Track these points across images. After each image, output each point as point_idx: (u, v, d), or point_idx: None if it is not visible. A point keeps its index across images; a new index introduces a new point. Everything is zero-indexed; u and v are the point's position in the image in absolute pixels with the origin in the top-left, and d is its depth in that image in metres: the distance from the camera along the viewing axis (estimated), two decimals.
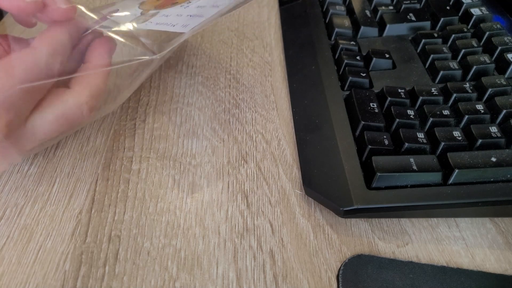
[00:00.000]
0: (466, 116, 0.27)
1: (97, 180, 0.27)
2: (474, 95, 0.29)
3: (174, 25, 0.26)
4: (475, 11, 0.36)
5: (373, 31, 0.36)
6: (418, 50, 0.34)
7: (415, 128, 0.27)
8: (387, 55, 0.33)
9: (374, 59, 0.33)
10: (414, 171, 0.24)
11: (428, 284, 0.23)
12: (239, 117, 0.32)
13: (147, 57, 0.25)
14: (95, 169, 0.28)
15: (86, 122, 0.24)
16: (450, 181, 0.25)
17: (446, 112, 0.28)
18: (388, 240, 0.25)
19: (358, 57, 0.33)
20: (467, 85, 0.30)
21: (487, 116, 0.28)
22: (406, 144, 0.26)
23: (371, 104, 0.29)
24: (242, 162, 0.29)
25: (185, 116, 0.32)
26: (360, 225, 0.26)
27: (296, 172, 0.29)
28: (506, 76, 0.30)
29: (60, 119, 0.23)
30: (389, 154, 0.26)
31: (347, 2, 0.40)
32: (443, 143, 0.26)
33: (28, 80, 0.21)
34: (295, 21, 0.40)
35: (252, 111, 0.32)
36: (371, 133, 0.27)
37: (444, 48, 0.33)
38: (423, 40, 0.34)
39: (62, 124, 0.23)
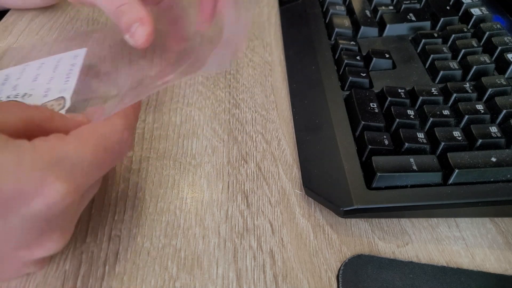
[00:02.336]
0: (466, 116, 0.27)
1: None
2: (474, 95, 0.29)
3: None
4: (475, 11, 0.36)
5: (373, 31, 0.36)
6: (418, 50, 0.34)
7: (415, 128, 0.27)
8: (387, 55, 0.33)
9: (374, 59, 0.33)
10: (414, 171, 0.24)
11: (428, 284, 0.23)
12: (239, 117, 0.32)
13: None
14: None
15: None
16: (450, 181, 0.25)
17: (446, 112, 0.28)
18: (388, 240, 0.25)
19: (358, 57, 0.33)
20: (467, 85, 0.30)
21: (487, 116, 0.28)
22: (406, 144, 0.26)
23: (371, 104, 0.29)
24: (242, 162, 0.29)
25: (185, 116, 0.32)
26: (360, 225, 0.26)
27: (296, 172, 0.28)
28: (506, 76, 0.30)
29: (105, 149, 0.21)
30: (389, 154, 0.26)
31: (347, 2, 0.40)
32: (443, 143, 0.26)
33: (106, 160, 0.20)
34: (295, 21, 0.40)
35: (252, 111, 0.32)
36: (371, 133, 0.27)
37: (444, 48, 0.33)
38: (423, 40, 0.34)
39: (107, 156, 0.21)
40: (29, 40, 0.37)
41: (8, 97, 0.28)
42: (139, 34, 0.28)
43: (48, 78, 0.30)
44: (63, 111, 0.27)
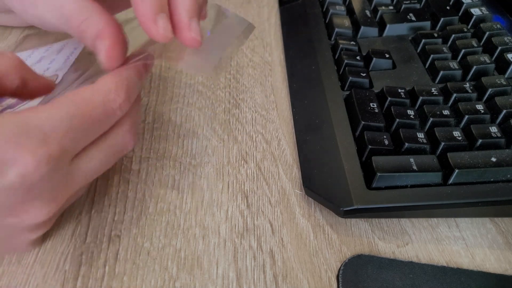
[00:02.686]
0: (466, 116, 0.27)
1: (97, 180, 0.27)
2: (474, 95, 0.29)
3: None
4: (475, 11, 0.36)
5: (373, 31, 0.36)
6: (418, 50, 0.34)
7: (415, 128, 0.27)
8: (387, 55, 0.33)
9: (374, 59, 0.33)
10: (414, 171, 0.24)
11: (428, 284, 0.23)
12: (239, 117, 0.32)
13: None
14: None
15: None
16: (450, 181, 0.25)
17: (446, 112, 0.28)
18: (388, 240, 0.25)
19: (358, 57, 0.33)
20: (467, 85, 0.30)
21: (487, 116, 0.28)
22: (406, 144, 0.26)
23: (371, 104, 0.29)
24: (242, 162, 0.29)
25: (185, 116, 0.32)
26: (360, 225, 0.26)
27: (296, 172, 0.28)
28: (506, 76, 0.30)
29: (109, 159, 0.21)
30: (389, 154, 0.26)
31: (347, 2, 0.40)
32: (443, 143, 0.26)
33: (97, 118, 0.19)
34: (295, 21, 0.40)
35: (252, 111, 0.32)
36: (371, 133, 0.27)
37: (444, 48, 0.33)
38: (423, 40, 0.34)
39: (111, 161, 0.22)
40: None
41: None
42: (101, 49, 0.22)
43: (50, 59, 0.30)
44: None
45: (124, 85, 0.21)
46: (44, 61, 0.30)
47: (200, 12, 0.24)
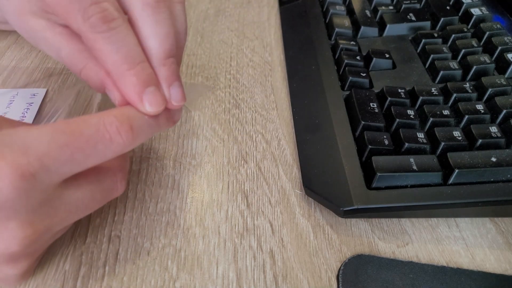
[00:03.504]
0: (466, 116, 0.27)
1: None
2: (474, 95, 0.29)
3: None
4: (475, 11, 0.36)
5: (373, 31, 0.36)
6: (418, 50, 0.34)
7: (415, 128, 0.27)
8: (387, 55, 0.33)
9: (374, 59, 0.33)
10: (414, 171, 0.24)
11: (428, 284, 0.23)
12: (239, 117, 0.32)
13: None
14: None
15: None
16: (450, 181, 0.25)
17: (446, 112, 0.28)
18: (388, 240, 0.25)
19: (358, 57, 0.33)
20: (467, 85, 0.30)
21: (487, 116, 0.28)
22: (406, 144, 0.26)
23: (371, 104, 0.29)
24: (242, 162, 0.29)
25: (185, 116, 0.32)
26: (360, 225, 0.26)
27: (296, 172, 0.28)
28: (506, 76, 0.30)
29: (95, 196, 0.20)
30: (389, 154, 0.26)
31: (347, 2, 0.40)
32: (443, 143, 0.26)
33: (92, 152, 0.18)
34: (295, 21, 0.40)
35: (252, 111, 0.32)
36: (371, 133, 0.27)
37: (444, 48, 0.33)
38: (423, 40, 0.34)
39: (97, 201, 0.20)
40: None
41: None
42: (114, 99, 0.22)
43: (0, 113, 0.29)
44: None
45: (128, 117, 0.19)
46: None
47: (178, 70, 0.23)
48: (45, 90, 0.32)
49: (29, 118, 0.29)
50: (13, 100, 0.30)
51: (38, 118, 0.30)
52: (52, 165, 0.17)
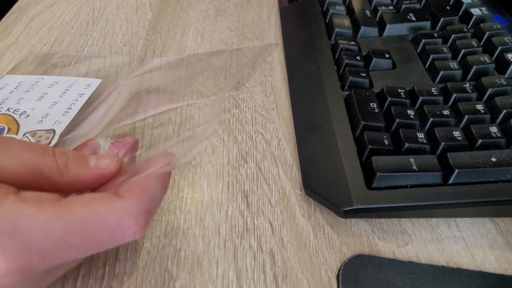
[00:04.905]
0: (466, 116, 0.27)
1: None
2: (474, 95, 0.29)
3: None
4: (475, 11, 0.36)
5: (373, 31, 0.36)
6: (418, 50, 0.34)
7: (415, 128, 0.27)
8: (387, 55, 0.33)
9: (374, 59, 0.33)
10: (414, 171, 0.24)
11: (428, 284, 0.23)
12: (239, 117, 0.32)
13: None
14: None
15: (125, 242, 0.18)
16: (450, 181, 0.25)
17: (446, 112, 0.28)
18: (388, 240, 0.25)
19: (358, 57, 0.33)
20: (467, 85, 0.30)
21: (487, 116, 0.28)
22: (406, 144, 0.26)
23: (371, 104, 0.29)
24: (242, 162, 0.29)
25: (185, 116, 0.32)
26: (360, 225, 0.26)
27: (296, 172, 0.28)
28: (506, 76, 0.30)
29: (87, 230, 0.16)
30: (389, 154, 0.26)
31: (347, 2, 0.40)
32: (443, 143, 0.26)
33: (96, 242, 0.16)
34: (295, 21, 0.40)
35: (252, 111, 0.32)
36: (371, 133, 0.27)
37: (444, 48, 0.33)
38: (423, 40, 0.34)
39: (89, 239, 0.16)
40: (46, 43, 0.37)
41: (8, 109, 0.28)
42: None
43: (52, 101, 0.29)
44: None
45: (148, 205, 0.17)
46: (46, 100, 0.29)
47: None
48: (99, 80, 0.32)
49: (74, 110, 0.29)
50: (68, 89, 0.31)
51: (82, 109, 0.29)
52: (54, 260, 0.16)
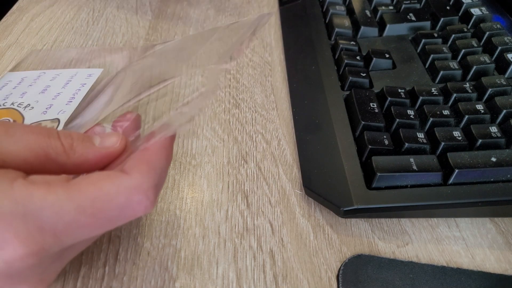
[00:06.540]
0: (466, 116, 0.27)
1: None
2: (474, 95, 0.29)
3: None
4: (475, 11, 0.36)
5: (373, 31, 0.36)
6: (418, 50, 0.34)
7: (415, 128, 0.27)
8: (387, 55, 0.33)
9: (374, 59, 0.33)
10: (414, 171, 0.24)
11: (428, 284, 0.23)
12: (239, 117, 0.32)
13: None
14: None
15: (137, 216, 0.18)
16: (450, 181, 0.25)
17: (446, 112, 0.28)
18: (388, 240, 0.25)
19: (358, 57, 0.33)
20: (467, 85, 0.30)
21: (487, 116, 0.28)
22: (406, 144, 0.26)
23: (371, 104, 0.29)
24: (242, 162, 0.29)
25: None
26: (360, 225, 0.26)
27: (296, 172, 0.28)
28: (506, 76, 0.30)
29: (98, 208, 0.16)
30: (389, 154, 0.26)
31: (347, 2, 0.40)
32: (443, 143, 0.26)
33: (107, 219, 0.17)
34: (295, 21, 0.40)
35: (252, 111, 0.32)
36: (371, 133, 0.27)
37: (444, 48, 0.33)
38: (423, 40, 0.34)
39: (101, 217, 0.16)
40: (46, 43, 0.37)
41: (12, 103, 0.28)
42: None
43: (55, 93, 0.29)
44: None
45: (156, 178, 0.17)
46: (49, 92, 0.29)
47: None
48: (100, 70, 0.32)
49: (77, 99, 0.29)
50: (70, 81, 0.31)
51: (84, 99, 0.29)
52: (67, 240, 0.16)
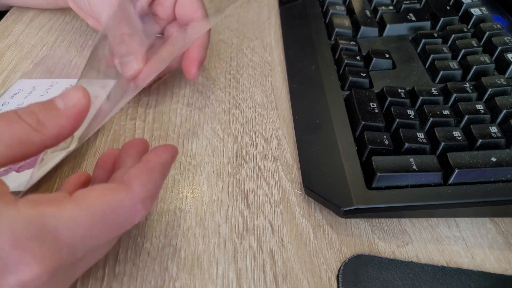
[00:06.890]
0: (466, 116, 0.27)
1: None
2: (474, 95, 0.29)
3: None
4: (475, 11, 0.36)
5: (373, 31, 0.36)
6: (418, 50, 0.34)
7: (415, 128, 0.27)
8: (387, 55, 0.33)
9: (374, 59, 0.33)
10: (414, 171, 0.24)
11: (428, 284, 0.23)
12: (239, 117, 0.32)
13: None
14: None
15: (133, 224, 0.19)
16: (450, 181, 0.25)
17: (446, 112, 0.28)
18: (388, 240, 0.25)
19: (358, 57, 0.33)
20: (467, 85, 0.30)
21: (487, 116, 0.28)
22: (406, 144, 0.26)
23: (371, 104, 0.29)
24: (242, 162, 0.29)
25: (185, 116, 0.32)
26: (360, 225, 0.26)
27: (296, 172, 0.28)
28: (506, 76, 0.30)
29: (107, 218, 0.17)
30: (389, 154, 0.26)
31: (347, 2, 0.40)
32: (443, 143, 0.26)
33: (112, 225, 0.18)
34: (295, 21, 0.40)
35: (252, 111, 0.32)
36: (371, 133, 0.27)
37: (444, 48, 0.33)
38: (423, 40, 0.34)
39: (109, 226, 0.18)
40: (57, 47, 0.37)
41: None
42: (129, 67, 0.28)
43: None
44: (68, 150, 0.24)
45: (152, 191, 0.19)
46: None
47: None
48: (114, 81, 0.30)
49: (91, 113, 0.28)
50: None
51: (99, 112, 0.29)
52: (80, 252, 0.17)
